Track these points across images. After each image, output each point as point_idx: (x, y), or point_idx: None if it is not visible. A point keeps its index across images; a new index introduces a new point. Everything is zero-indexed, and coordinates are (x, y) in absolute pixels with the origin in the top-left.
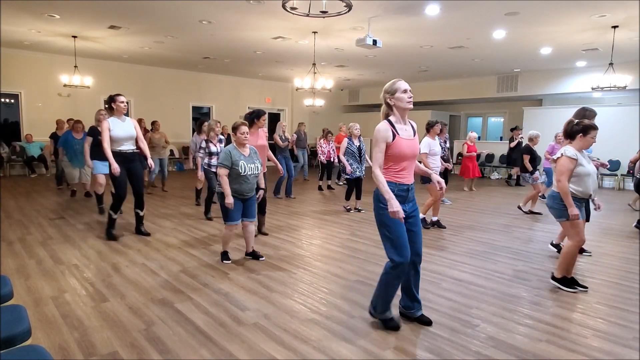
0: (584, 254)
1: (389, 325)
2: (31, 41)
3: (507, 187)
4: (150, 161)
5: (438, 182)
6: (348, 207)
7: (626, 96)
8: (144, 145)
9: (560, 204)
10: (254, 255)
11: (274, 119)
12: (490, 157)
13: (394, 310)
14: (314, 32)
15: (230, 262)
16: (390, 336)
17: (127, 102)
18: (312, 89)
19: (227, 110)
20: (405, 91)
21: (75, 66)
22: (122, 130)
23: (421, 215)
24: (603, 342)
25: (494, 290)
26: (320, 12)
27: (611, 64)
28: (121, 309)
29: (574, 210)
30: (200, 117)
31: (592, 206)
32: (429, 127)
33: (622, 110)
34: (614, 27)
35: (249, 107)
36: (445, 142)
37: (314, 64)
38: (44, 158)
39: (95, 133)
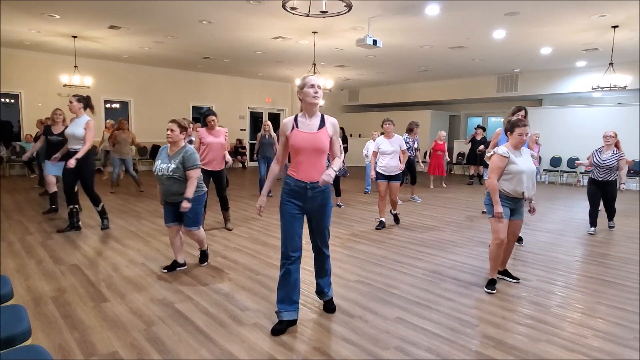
0: (521, 243)
1: (274, 329)
2: (31, 41)
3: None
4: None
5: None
6: (339, 204)
7: (626, 96)
8: (84, 145)
9: (490, 200)
10: (173, 267)
11: (275, 119)
12: (468, 157)
13: (286, 315)
14: (314, 32)
15: (166, 271)
16: (391, 336)
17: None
18: None
19: (227, 110)
20: (312, 86)
21: (75, 66)
22: (69, 130)
23: (380, 218)
24: (603, 342)
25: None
26: (320, 12)
27: (611, 64)
28: (121, 309)
29: (498, 208)
30: (200, 117)
31: (525, 208)
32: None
33: (622, 110)
34: (614, 27)
35: (249, 107)
36: (414, 141)
37: (314, 64)
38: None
39: (48, 133)
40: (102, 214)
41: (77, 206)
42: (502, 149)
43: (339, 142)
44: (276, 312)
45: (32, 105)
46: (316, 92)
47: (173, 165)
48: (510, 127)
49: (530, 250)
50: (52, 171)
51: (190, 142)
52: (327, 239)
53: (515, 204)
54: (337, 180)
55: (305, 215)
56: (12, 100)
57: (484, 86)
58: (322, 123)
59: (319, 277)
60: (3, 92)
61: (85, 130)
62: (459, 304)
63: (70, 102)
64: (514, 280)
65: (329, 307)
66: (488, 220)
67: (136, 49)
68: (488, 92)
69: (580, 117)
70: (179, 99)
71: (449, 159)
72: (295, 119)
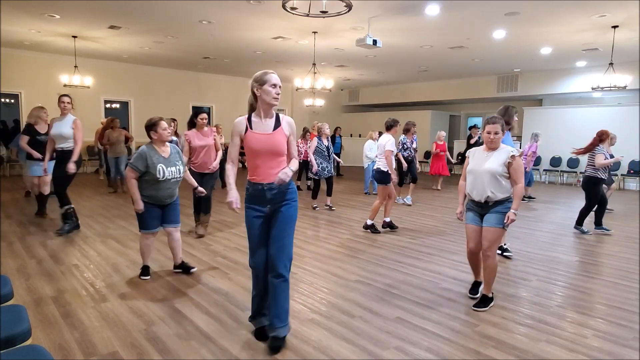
0: (505, 254)
1: (255, 333)
2: (31, 41)
3: None
4: (71, 164)
5: None
6: (315, 206)
7: (626, 96)
8: (76, 146)
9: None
10: (184, 268)
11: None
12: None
13: (263, 320)
14: (314, 32)
15: (149, 277)
16: (390, 336)
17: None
18: (312, 89)
19: (227, 110)
20: (274, 86)
21: (75, 66)
22: (55, 129)
23: (369, 221)
24: (603, 342)
25: (494, 290)
26: (320, 12)
27: (611, 64)
28: (121, 309)
29: (458, 208)
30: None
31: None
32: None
33: (622, 110)
34: (614, 27)
35: None
36: (412, 142)
37: (314, 64)
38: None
39: (34, 133)
40: (66, 217)
41: (72, 206)
42: (471, 150)
43: (295, 143)
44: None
45: (32, 105)
46: (278, 94)
47: (181, 167)
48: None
49: (530, 250)
50: (36, 172)
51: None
52: (287, 257)
53: (482, 209)
54: (317, 182)
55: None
56: (12, 100)
57: (484, 86)
58: (278, 123)
59: (269, 306)
60: (3, 92)
61: (73, 130)
62: (459, 304)
63: (64, 102)
64: (475, 297)
65: (275, 345)
66: None
67: (136, 49)
68: (488, 92)
69: (580, 117)
70: (179, 99)
71: (452, 160)
72: (249, 119)
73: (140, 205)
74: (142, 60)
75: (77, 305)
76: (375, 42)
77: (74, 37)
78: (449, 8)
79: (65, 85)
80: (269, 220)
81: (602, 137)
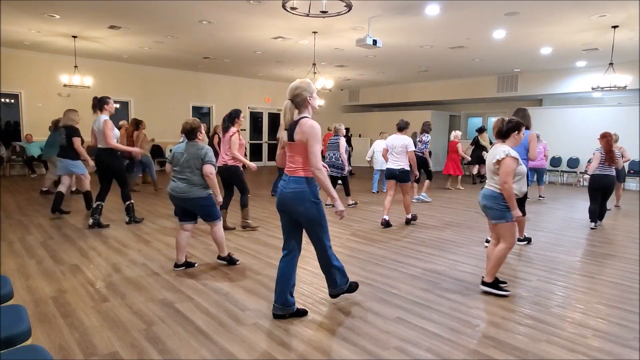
0: (528, 243)
1: (353, 288)
2: (31, 41)
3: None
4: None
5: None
6: (353, 203)
7: (626, 96)
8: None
9: (501, 204)
10: (228, 260)
11: (275, 118)
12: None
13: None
14: (314, 32)
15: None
16: (391, 336)
17: (118, 104)
18: None
19: (227, 110)
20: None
21: (75, 66)
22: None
23: (409, 216)
24: (603, 342)
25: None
26: (320, 12)
27: (611, 64)
28: (121, 309)
29: (518, 212)
30: (200, 117)
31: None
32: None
33: (622, 110)
34: (614, 27)
35: (249, 107)
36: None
37: (314, 64)
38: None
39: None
40: (128, 210)
41: (101, 203)
42: (513, 152)
43: None
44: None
45: (32, 105)
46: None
47: None
48: (516, 127)
49: (531, 250)
50: (83, 170)
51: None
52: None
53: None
54: (345, 179)
55: None
56: (12, 100)
57: (484, 86)
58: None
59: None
60: (3, 92)
61: (103, 129)
62: (459, 304)
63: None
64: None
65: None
66: (495, 226)
67: (136, 49)
68: (488, 92)
69: (580, 117)
70: (179, 99)
71: (468, 158)
72: None
73: (220, 198)
74: (142, 60)
75: (77, 305)
76: (375, 42)
77: (74, 37)
78: (449, 8)
79: (65, 85)
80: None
81: (609, 139)
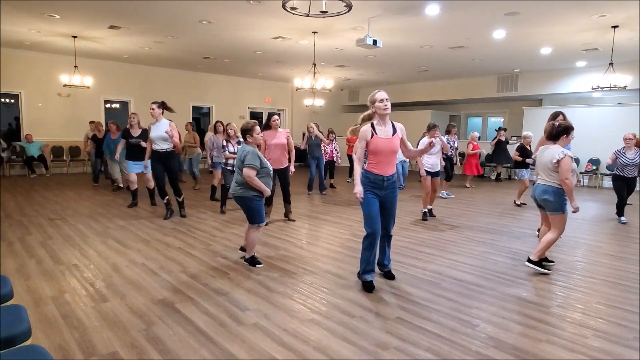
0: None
1: (365, 286)
2: (31, 41)
3: (497, 183)
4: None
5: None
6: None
7: (626, 96)
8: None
9: (562, 198)
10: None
11: None
12: (489, 157)
13: (369, 277)
14: (314, 32)
15: (262, 265)
16: (390, 336)
17: (155, 107)
18: (312, 89)
19: (227, 110)
20: (382, 101)
21: (75, 66)
22: (154, 133)
23: (424, 209)
24: (603, 342)
25: (494, 290)
26: (320, 12)
27: (611, 64)
28: (121, 309)
29: (576, 204)
30: (200, 117)
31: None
32: (428, 129)
33: (622, 110)
34: (614, 27)
35: (249, 107)
36: (454, 142)
37: (314, 64)
38: (43, 158)
39: (128, 136)
40: (182, 205)
41: (168, 197)
42: (569, 152)
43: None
44: (360, 276)
45: (32, 105)
46: (385, 105)
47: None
48: (565, 131)
49: (531, 250)
50: (134, 169)
51: (239, 142)
52: (394, 222)
53: None
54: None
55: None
56: (12, 100)
57: (484, 86)
58: (394, 129)
59: (382, 254)
60: (3, 92)
61: (171, 131)
62: (459, 304)
63: (152, 108)
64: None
65: (390, 275)
66: (552, 217)
67: (136, 49)
68: (488, 92)
69: (580, 117)
70: (179, 99)
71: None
72: (373, 127)
73: (268, 192)
74: (142, 60)
75: (77, 305)
76: (375, 42)
77: (74, 37)
78: (449, 8)
79: (65, 85)
80: (381, 200)
81: (637, 143)
